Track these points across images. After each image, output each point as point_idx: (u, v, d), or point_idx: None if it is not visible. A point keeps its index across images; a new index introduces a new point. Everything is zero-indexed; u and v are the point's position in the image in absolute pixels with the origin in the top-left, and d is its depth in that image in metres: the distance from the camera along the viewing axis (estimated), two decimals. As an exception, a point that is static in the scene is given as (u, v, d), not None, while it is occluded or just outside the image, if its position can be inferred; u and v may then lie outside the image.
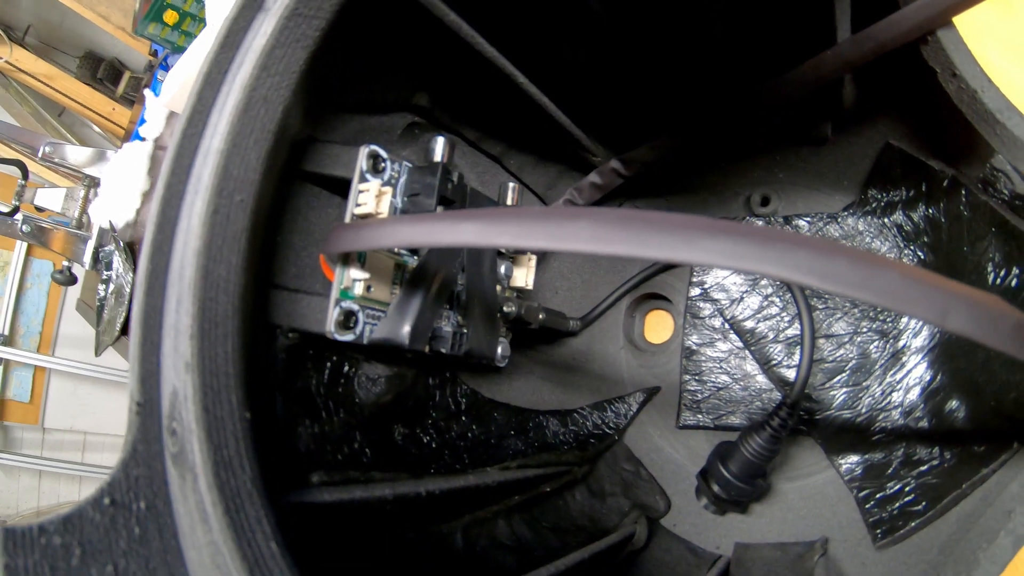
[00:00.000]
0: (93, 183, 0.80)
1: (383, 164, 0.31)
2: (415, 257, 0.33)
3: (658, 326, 0.46)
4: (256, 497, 0.20)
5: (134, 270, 0.68)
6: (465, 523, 0.33)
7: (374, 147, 0.30)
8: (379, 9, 0.29)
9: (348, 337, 0.29)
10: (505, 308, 0.38)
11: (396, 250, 0.32)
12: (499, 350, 0.37)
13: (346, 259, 0.29)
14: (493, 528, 0.34)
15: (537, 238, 0.20)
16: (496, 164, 0.43)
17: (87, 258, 0.73)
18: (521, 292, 0.40)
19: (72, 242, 0.77)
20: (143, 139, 0.78)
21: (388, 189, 0.30)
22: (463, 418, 0.39)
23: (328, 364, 0.32)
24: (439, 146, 0.32)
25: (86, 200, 0.80)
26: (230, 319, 0.24)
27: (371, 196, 0.29)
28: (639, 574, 0.36)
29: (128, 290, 0.67)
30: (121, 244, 0.69)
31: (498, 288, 0.38)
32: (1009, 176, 0.29)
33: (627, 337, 0.46)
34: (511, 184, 0.39)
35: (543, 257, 0.45)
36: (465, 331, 0.35)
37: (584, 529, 0.37)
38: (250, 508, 0.20)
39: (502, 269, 0.38)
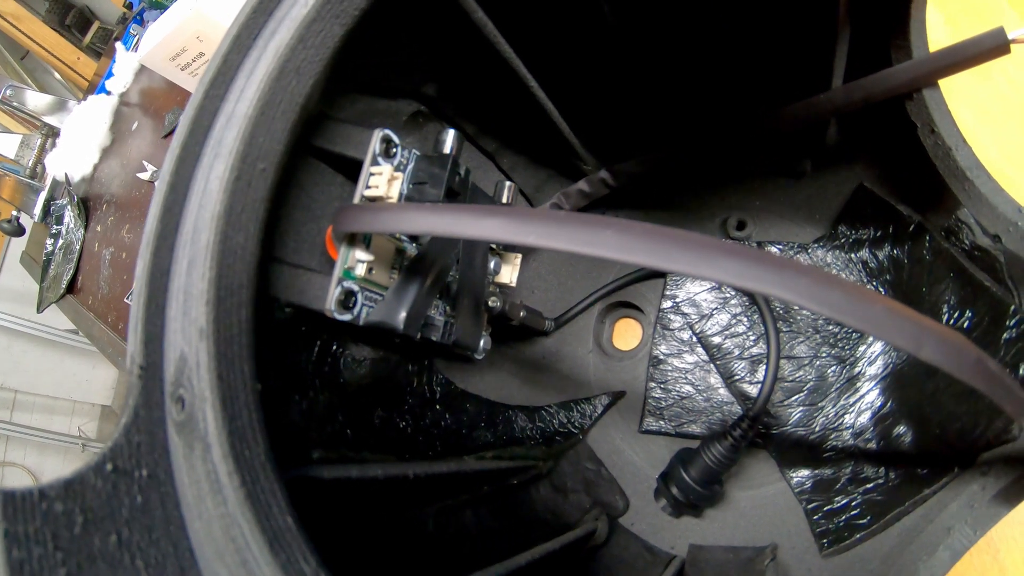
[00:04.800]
0: (51, 132, 0.76)
1: (394, 149, 0.31)
2: (415, 244, 0.34)
3: (627, 334, 0.48)
4: (269, 470, 0.20)
5: (86, 227, 0.65)
6: (436, 510, 0.34)
7: (387, 131, 0.30)
8: (414, -3, 0.29)
9: (346, 317, 0.29)
10: (490, 302, 0.38)
11: (399, 236, 0.33)
12: (481, 343, 0.38)
13: (352, 239, 0.30)
14: (462, 516, 0.35)
15: (564, 241, 0.20)
16: (489, 161, 0.44)
17: (37, 210, 0.70)
18: (504, 288, 0.41)
19: (23, 191, 0.72)
20: (109, 93, 0.74)
21: (399, 175, 0.31)
22: (437, 406, 0.39)
23: (317, 342, 0.32)
24: (450, 138, 0.33)
25: (42, 150, 0.76)
26: (244, 288, 0.24)
27: (383, 180, 0.29)
28: (599, 569, 0.38)
29: (78, 247, 0.64)
30: (75, 199, 0.66)
31: (485, 283, 0.38)
32: (972, 228, 0.32)
33: (596, 341, 0.47)
34: (507, 183, 0.39)
35: (525, 256, 0.46)
36: (453, 321, 0.36)
37: (547, 523, 0.38)
38: (264, 481, 0.20)
39: (491, 265, 0.39)
